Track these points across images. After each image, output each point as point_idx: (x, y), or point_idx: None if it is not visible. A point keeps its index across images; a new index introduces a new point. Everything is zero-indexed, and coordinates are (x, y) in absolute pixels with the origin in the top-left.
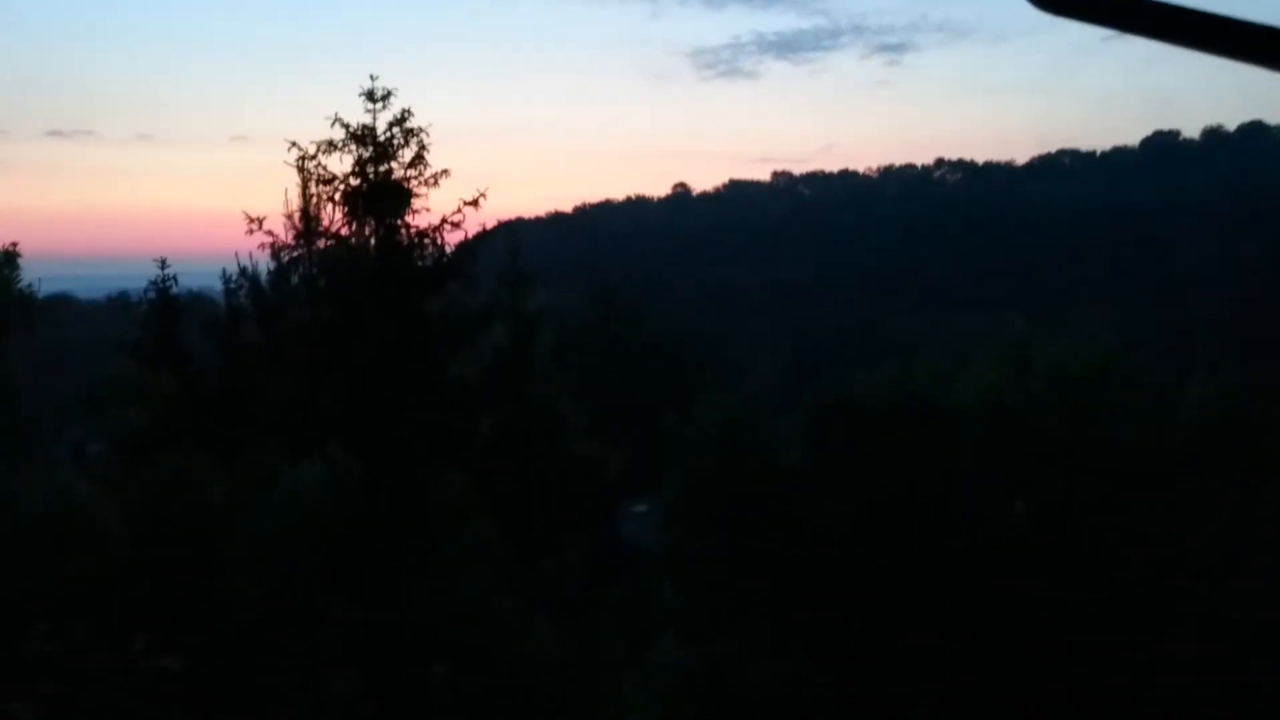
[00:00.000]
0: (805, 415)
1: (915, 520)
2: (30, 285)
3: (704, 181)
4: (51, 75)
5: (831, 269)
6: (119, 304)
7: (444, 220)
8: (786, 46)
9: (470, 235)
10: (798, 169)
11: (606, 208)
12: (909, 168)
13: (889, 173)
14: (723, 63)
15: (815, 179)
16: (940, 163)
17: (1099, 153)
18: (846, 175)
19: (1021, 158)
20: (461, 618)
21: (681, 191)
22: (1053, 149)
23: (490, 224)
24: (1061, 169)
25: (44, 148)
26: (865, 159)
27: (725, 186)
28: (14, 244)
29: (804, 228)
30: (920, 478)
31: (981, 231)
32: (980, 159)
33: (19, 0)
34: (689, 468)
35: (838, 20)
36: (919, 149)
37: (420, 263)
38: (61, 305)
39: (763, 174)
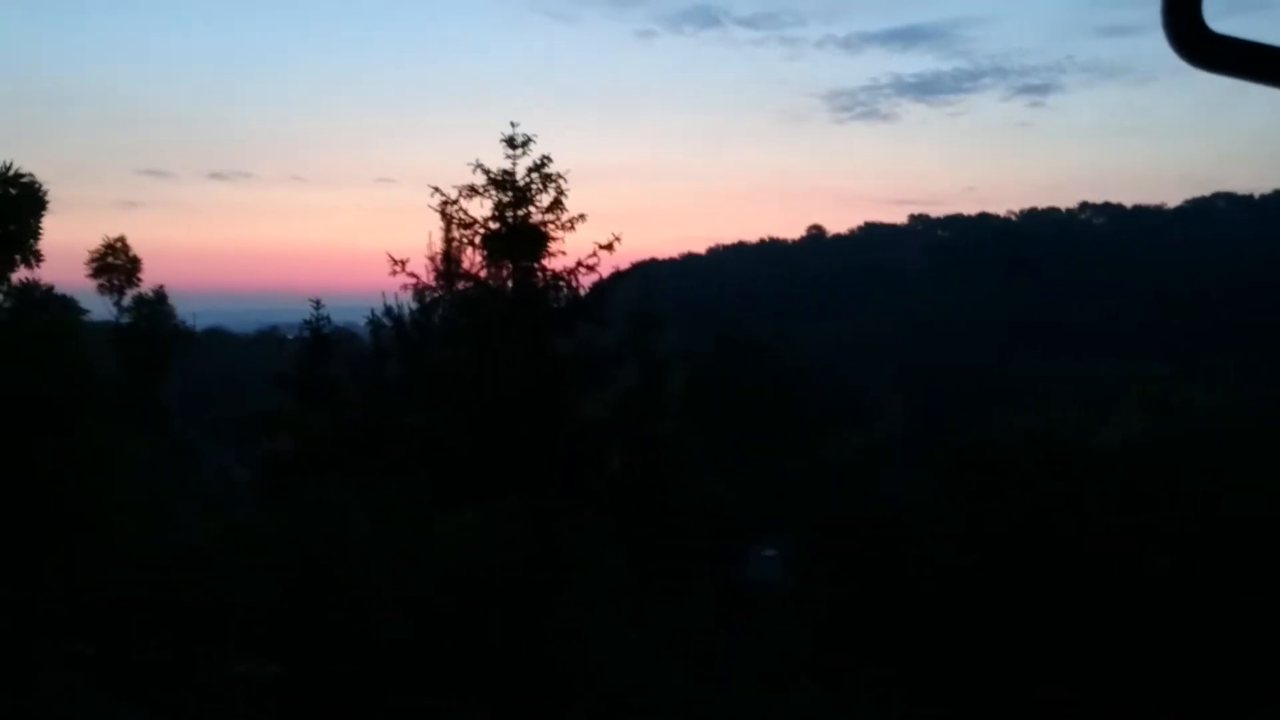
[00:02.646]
0: (937, 459)
1: (1050, 570)
2: (186, 320)
3: (839, 224)
4: (215, 121)
5: (969, 312)
6: (269, 338)
7: (579, 263)
8: (925, 88)
9: (604, 276)
10: (935, 211)
11: (740, 249)
12: (1052, 210)
13: (1031, 215)
14: (860, 104)
15: (954, 221)
16: (1085, 206)
17: (1257, 196)
18: (986, 218)
19: (1172, 201)
20: (592, 656)
21: (816, 233)
22: (1206, 192)
23: (624, 265)
24: (1216, 213)
25: (206, 188)
26: (1006, 201)
27: (861, 229)
28: (161, 286)
29: (941, 270)
30: (1056, 527)
31: (1128, 276)
32: (1128, 202)
33: (188, 52)
34: (816, 510)
35: (979, 62)
36: (1062, 191)
37: (555, 304)
38: (215, 338)
39: (899, 216)
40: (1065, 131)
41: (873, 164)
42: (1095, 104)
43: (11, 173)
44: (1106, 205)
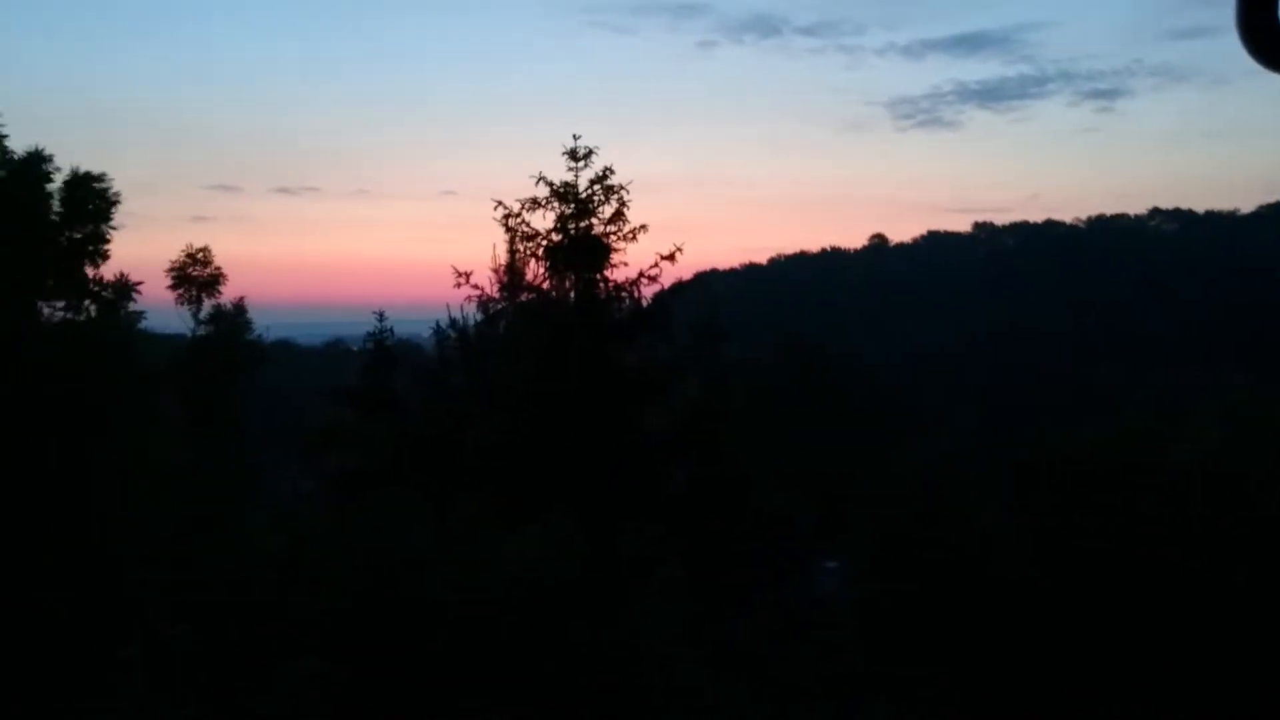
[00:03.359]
0: (1006, 472)
1: (1124, 585)
2: (259, 334)
3: (901, 232)
4: (282, 137)
5: (1035, 321)
6: (335, 350)
7: (641, 274)
8: (989, 95)
9: (665, 287)
10: (1000, 219)
11: (801, 259)
12: (1121, 217)
13: (1099, 222)
14: (922, 112)
15: (1019, 229)
16: (1155, 212)
17: None
18: (1052, 225)
19: (1246, 206)
20: (650, 670)
21: (878, 242)
22: None
23: (685, 275)
24: None
25: (272, 203)
26: (1073, 208)
27: (923, 237)
28: (241, 298)
29: (1006, 279)
30: (1130, 541)
31: (1200, 283)
32: (1200, 208)
33: (255, 70)
34: (880, 524)
35: (1044, 67)
36: (1131, 198)
37: (617, 315)
38: (282, 350)
39: (963, 225)
40: (1134, 136)
41: (935, 172)
42: (1166, 108)
43: (82, 174)
44: (1178, 211)
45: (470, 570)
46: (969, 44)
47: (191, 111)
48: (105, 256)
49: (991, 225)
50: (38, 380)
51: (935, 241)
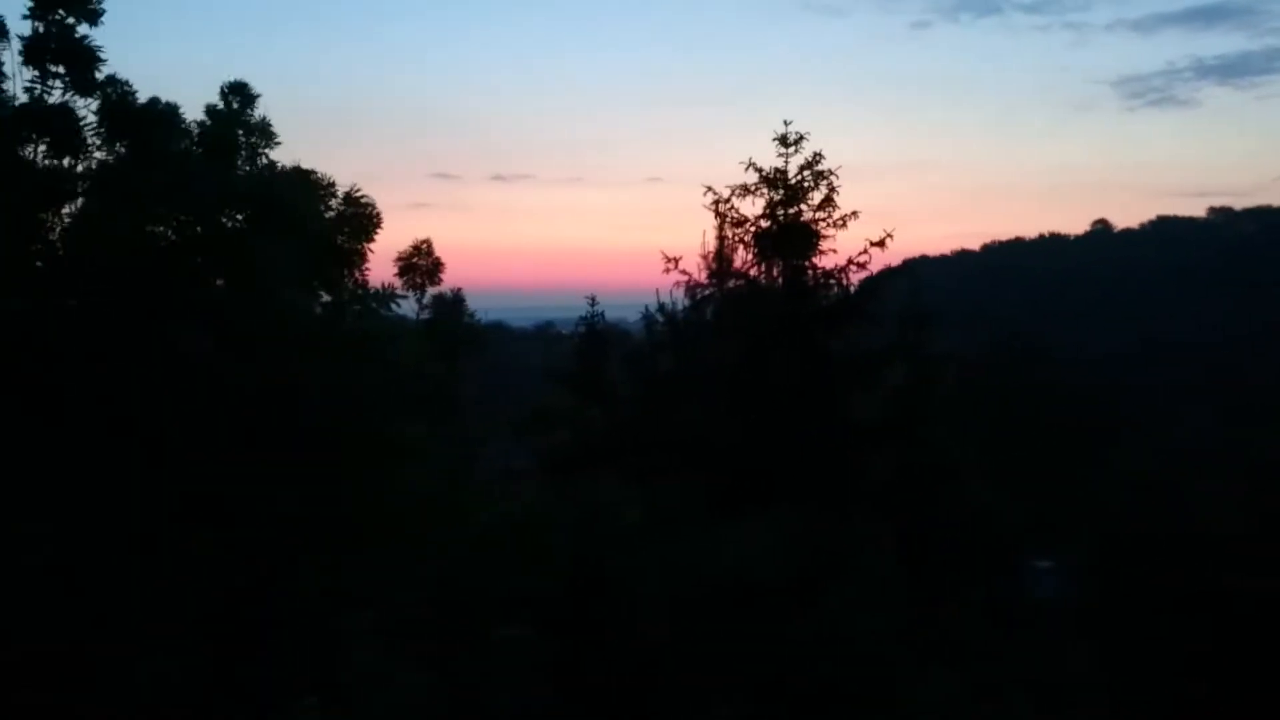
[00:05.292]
0: (1245, 477)
1: None
2: (476, 315)
3: (1127, 218)
4: (498, 126)
5: (1277, 313)
6: (545, 333)
7: (850, 261)
8: (1230, 70)
9: (874, 273)
10: (1239, 204)
11: (1018, 245)
12: None
13: None
14: (1153, 91)
15: (1262, 214)
16: None
17: None
18: None
19: None
20: (858, 663)
21: (1101, 228)
22: None
23: (894, 262)
24: None
25: (489, 190)
26: None
27: (1152, 223)
28: (459, 289)
29: (1246, 269)
30: None
31: None
32: None
33: (472, 62)
34: (1103, 525)
35: None
36: None
37: (824, 302)
38: (495, 332)
39: (1196, 210)
40: None
41: (1167, 153)
42: None
43: (358, 194)
44: None
45: (683, 558)
46: (1207, 16)
47: (418, 103)
48: (365, 268)
49: (1229, 210)
50: (309, 368)
51: (1165, 227)
